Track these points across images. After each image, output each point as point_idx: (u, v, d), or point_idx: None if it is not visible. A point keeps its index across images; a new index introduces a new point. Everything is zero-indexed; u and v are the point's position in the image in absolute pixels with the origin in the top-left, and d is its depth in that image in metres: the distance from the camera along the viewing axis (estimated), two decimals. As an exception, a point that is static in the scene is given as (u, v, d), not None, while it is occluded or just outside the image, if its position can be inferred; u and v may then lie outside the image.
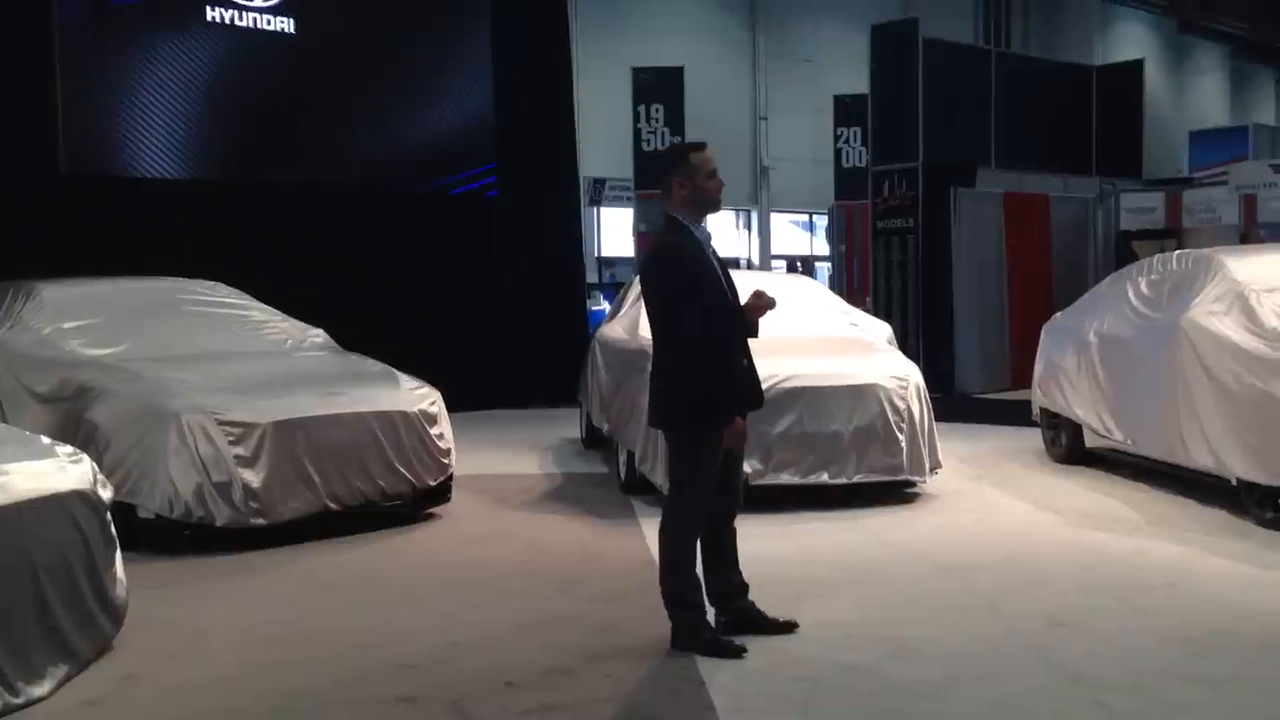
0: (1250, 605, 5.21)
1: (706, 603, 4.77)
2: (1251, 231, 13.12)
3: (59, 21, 10.55)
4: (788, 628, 4.85)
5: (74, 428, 6.56)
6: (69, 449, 4.88)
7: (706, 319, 4.58)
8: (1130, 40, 29.78)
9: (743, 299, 4.83)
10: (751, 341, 4.84)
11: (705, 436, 4.64)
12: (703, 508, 4.70)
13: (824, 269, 23.50)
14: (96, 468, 4.94)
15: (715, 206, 4.76)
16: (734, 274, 4.93)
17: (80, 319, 7.58)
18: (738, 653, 4.57)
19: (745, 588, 4.91)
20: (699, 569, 4.78)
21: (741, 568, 4.92)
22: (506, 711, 4.09)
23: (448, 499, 7.47)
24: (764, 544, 5.92)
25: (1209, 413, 6.90)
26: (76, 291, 7.94)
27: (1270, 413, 6.44)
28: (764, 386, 6.85)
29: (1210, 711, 4.03)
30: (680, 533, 4.70)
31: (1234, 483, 6.89)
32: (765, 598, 4.94)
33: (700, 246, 4.70)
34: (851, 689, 4.27)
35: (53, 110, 10.52)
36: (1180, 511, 7.20)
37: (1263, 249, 9.22)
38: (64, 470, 4.63)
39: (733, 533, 4.90)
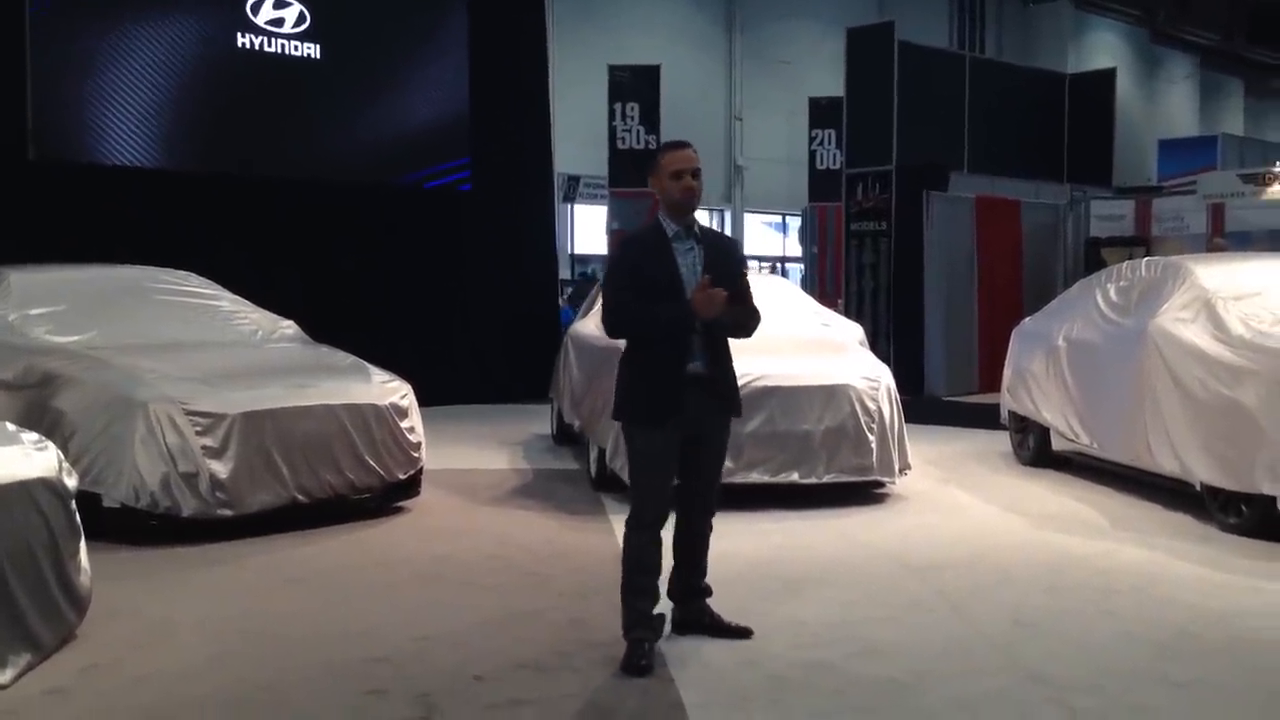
0: (1214, 609, 5.27)
1: (666, 597, 4.72)
2: (1215, 242, 13.26)
3: (29, 7, 10.45)
4: (741, 633, 4.78)
5: (39, 415, 6.49)
6: (34, 436, 4.83)
7: (634, 312, 4.54)
8: (1102, 49, 29.99)
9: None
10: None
11: (647, 432, 4.57)
12: (655, 507, 4.58)
13: (796, 270, 23.56)
14: (62, 455, 4.89)
15: (678, 208, 4.62)
16: None
17: (47, 306, 7.52)
18: (641, 672, 4.39)
19: (707, 591, 4.85)
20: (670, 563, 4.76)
21: (711, 567, 4.87)
22: (474, 705, 4.08)
23: (417, 493, 7.45)
24: (733, 542, 5.94)
25: (1175, 418, 6.98)
26: (44, 278, 7.87)
27: (1235, 419, 6.51)
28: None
29: (1172, 713, 4.07)
30: (633, 534, 4.59)
31: (1198, 488, 6.96)
32: (733, 595, 4.95)
33: (664, 242, 4.61)
34: (819, 687, 4.29)
35: (21, 96, 10.42)
36: (1145, 515, 7.27)
37: (1230, 257, 9.32)
38: (29, 457, 4.59)
39: (706, 534, 4.82)
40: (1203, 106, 34.27)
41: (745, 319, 4.73)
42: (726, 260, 4.72)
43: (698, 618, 4.81)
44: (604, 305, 4.73)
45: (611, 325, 4.72)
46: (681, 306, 4.49)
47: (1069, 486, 8.27)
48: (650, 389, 4.56)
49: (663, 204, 4.68)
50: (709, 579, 4.89)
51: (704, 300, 4.43)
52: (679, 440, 4.58)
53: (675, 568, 4.82)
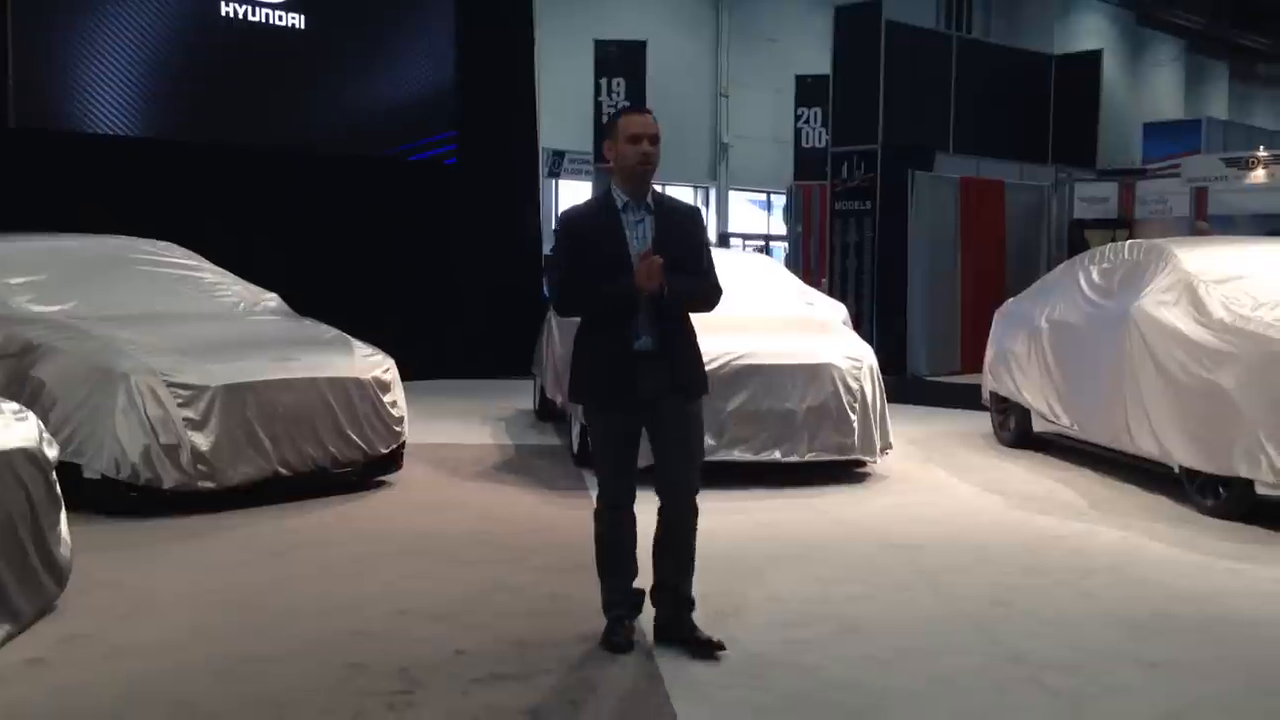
0: (1189, 590, 5.31)
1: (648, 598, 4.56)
2: (1198, 225, 13.30)
3: (11, -29, 10.35)
4: (711, 649, 4.35)
5: (20, 385, 6.47)
6: (15, 406, 4.81)
7: (577, 289, 4.40)
8: (1089, 30, 29.98)
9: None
10: (707, 318, 4.57)
11: (601, 413, 4.45)
12: (618, 488, 4.43)
13: (780, 248, 23.56)
14: (42, 425, 4.87)
15: (632, 174, 4.36)
16: None
17: (27, 275, 7.45)
18: (620, 649, 4.39)
19: (688, 603, 4.47)
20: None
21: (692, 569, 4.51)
22: (456, 680, 4.09)
23: (399, 467, 7.46)
24: (715, 520, 5.90)
25: (1155, 401, 7.02)
26: (24, 247, 7.81)
27: (1215, 402, 6.55)
28: (719, 364, 6.97)
29: (1146, 692, 4.11)
30: (602, 515, 4.50)
31: (1177, 470, 7.01)
32: (714, 573, 4.96)
33: (612, 214, 4.39)
34: (799, 663, 4.31)
35: (3, 62, 10.32)
36: (1123, 497, 7.32)
37: (1213, 241, 9.36)
38: (9, 427, 4.57)
39: (682, 528, 4.46)
40: (1188, 90, 34.34)
41: (701, 293, 4.47)
42: (681, 230, 4.46)
43: (677, 633, 4.43)
44: (550, 282, 4.62)
45: (557, 303, 4.61)
46: (623, 282, 4.27)
47: (1049, 468, 8.32)
48: (599, 369, 4.40)
49: (616, 171, 4.43)
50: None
51: (643, 273, 4.22)
52: (638, 421, 4.41)
53: (654, 560, 4.50)
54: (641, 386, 4.34)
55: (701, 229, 4.64)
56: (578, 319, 4.60)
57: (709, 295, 4.53)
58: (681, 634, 4.43)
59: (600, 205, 4.49)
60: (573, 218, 4.56)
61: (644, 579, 4.63)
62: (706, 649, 4.35)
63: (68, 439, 6.21)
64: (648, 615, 4.62)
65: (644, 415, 4.41)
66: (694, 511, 4.49)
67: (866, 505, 7.08)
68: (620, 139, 4.38)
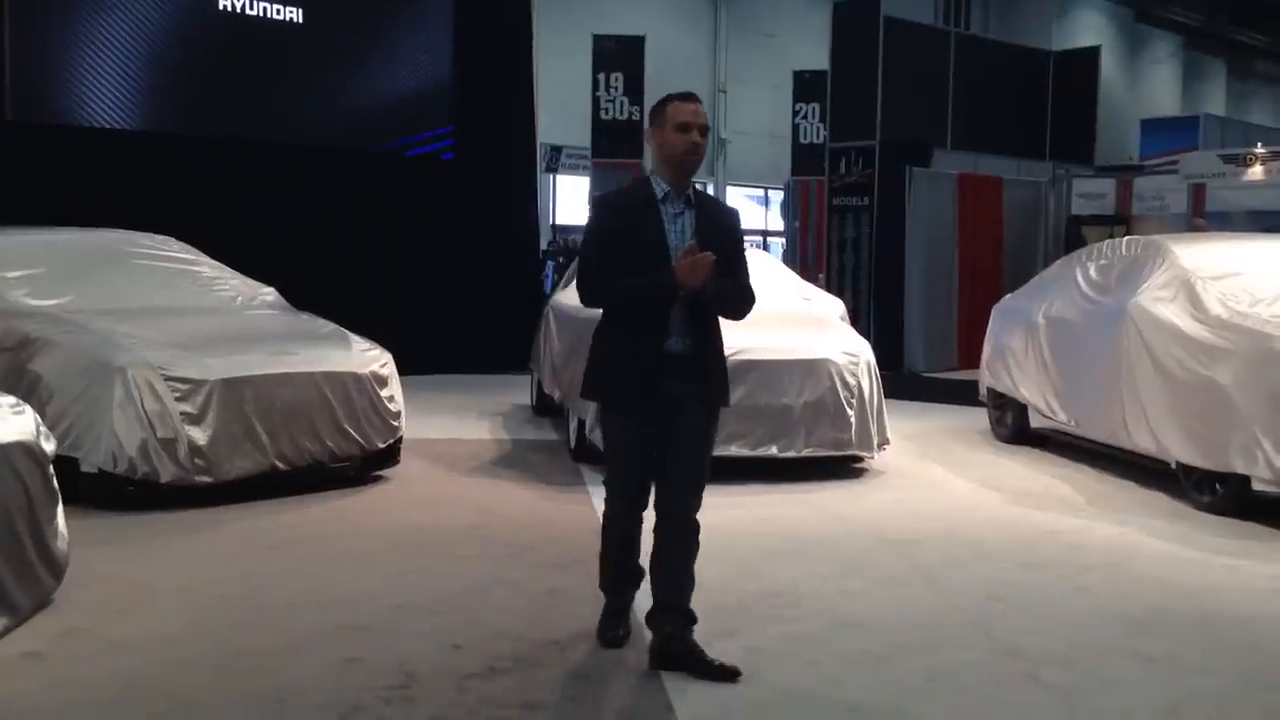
0: (1186, 586, 5.32)
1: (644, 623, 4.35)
2: (1195, 222, 13.32)
3: (7, -36, 10.34)
4: (727, 674, 4.05)
5: (16, 379, 6.45)
6: (12, 399, 4.81)
7: (610, 280, 4.14)
8: (1087, 27, 29.94)
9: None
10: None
11: (619, 415, 4.25)
12: (627, 493, 4.26)
13: (778, 244, 23.56)
14: (39, 419, 4.86)
15: (678, 162, 4.14)
16: None
17: (24, 269, 7.43)
18: (615, 643, 4.34)
19: (688, 617, 4.18)
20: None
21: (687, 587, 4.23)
22: (452, 674, 4.09)
23: (396, 462, 7.45)
24: (712, 515, 5.87)
25: (1152, 397, 7.03)
26: (21, 240, 7.79)
27: (1212, 398, 6.56)
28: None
29: (1142, 687, 4.11)
30: (609, 516, 4.36)
31: (1174, 466, 7.02)
32: (711, 569, 4.94)
33: (651, 203, 4.16)
34: (795, 658, 4.32)
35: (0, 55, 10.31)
36: (1120, 493, 7.33)
37: (1210, 237, 9.37)
38: (6, 421, 4.56)
39: (678, 542, 4.22)
40: (1185, 87, 34.30)
41: (736, 297, 4.24)
42: (721, 229, 4.24)
43: (680, 652, 4.11)
44: (579, 271, 4.32)
45: (586, 294, 4.26)
46: (663, 274, 4.03)
47: (1046, 464, 8.33)
48: (623, 368, 4.16)
49: (660, 160, 4.20)
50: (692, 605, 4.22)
51: (688, 267, 3.97)
52: (655, 422, 4.15)
53: (651, 579, 4.27)
54: (666, 389, 4.12)
55: (740, 231, 4.47)
56: (579, 315, 4.51)
57: (745, 303, 4.31)
58: (685, 655, 4.11)
59: (639, 193, 4.26)
60: (609, 203, 4.38)
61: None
62: (720, 675, 4.04)
63: (65, 433, 6.21)
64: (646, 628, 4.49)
65: (663, 419, 4.17)
66: (693, 529, 4.26)
67: (863, 501, 7.09)
68: (668, 126, 4.17)
